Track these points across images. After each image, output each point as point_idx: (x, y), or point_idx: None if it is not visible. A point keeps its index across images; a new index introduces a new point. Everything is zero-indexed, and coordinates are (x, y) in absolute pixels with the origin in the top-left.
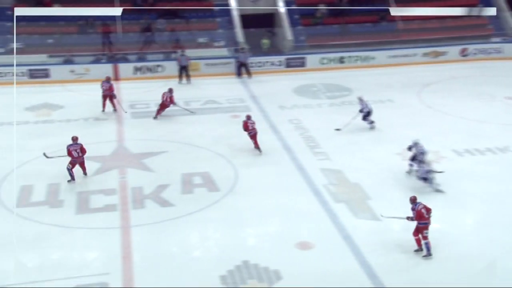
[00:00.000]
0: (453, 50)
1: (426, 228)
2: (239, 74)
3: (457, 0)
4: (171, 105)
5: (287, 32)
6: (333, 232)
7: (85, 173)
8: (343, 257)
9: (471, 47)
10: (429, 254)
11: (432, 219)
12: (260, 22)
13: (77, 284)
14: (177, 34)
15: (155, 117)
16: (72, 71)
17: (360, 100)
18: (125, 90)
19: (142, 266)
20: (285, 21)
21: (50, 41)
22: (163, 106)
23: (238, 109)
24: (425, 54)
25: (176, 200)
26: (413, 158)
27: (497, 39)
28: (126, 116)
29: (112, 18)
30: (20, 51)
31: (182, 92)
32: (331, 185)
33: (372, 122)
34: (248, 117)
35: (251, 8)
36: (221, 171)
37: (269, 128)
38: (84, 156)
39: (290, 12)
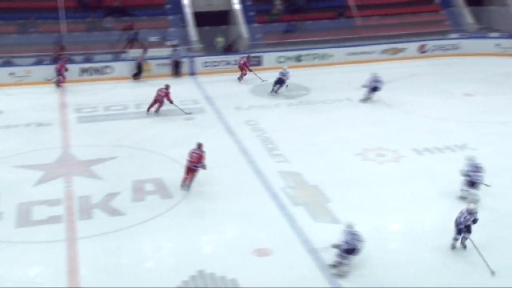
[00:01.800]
0: (412, 47)
1: (193, 171)
2: (175, 73)
3: None
4: (167, 101)
5: (242, 29)
6: (291, 237)
7: None
8: (301, 263)
9: (430, 44)
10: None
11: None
12: (214, 20)
13: None
14: (129, 32)
15: (148, 111)
16: (11, 74)
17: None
18: (70, 93)
19: (91, 280)
20: (240, 18)
21: None
22: (156, 101)
23: (193, 111)
24: (384, 51)
25: (126, 209)
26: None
27: (455, 35)
28: (72, 120)
29: (56, 16)
30: None
31: (134, 93)
32: (289, 188)
33: (274, 89)
34: (167, 87)
35: (204, 5)
36: (174, 177)
37: (224, 130)
38: None
39: (245, 9)
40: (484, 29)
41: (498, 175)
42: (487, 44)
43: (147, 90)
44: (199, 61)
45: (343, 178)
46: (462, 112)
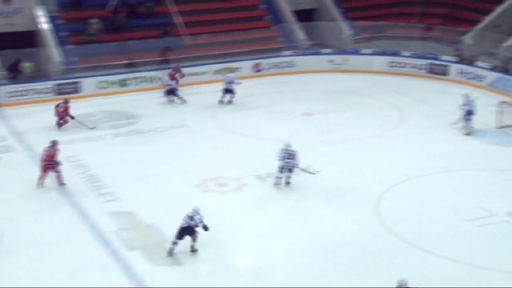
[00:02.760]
0: (246, 66)
1: (50, 168)
2: None
3: (241, 12)
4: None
5: (53, 52)
6: (127, 286)
7: None
8: None
9: (264, 62)
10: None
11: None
12: (18, 42)
13: None
14: None
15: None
16: None
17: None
18: None
19: None
20: (50, 40)
21: None
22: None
23: None
24: (217, 71)
25: None
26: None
27: (289, 52)
28: None
29: None
30: None
31: None
32: (122, 230)
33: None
34: (65, 101)
35: (3, 25)
36: None
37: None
38: None
39: (56, 29)
40: (316, 45)
41: (343, 194)
42: (320, 60)
43: None
44: (2, 90)
45: (182, 214)
46: (303, 133)
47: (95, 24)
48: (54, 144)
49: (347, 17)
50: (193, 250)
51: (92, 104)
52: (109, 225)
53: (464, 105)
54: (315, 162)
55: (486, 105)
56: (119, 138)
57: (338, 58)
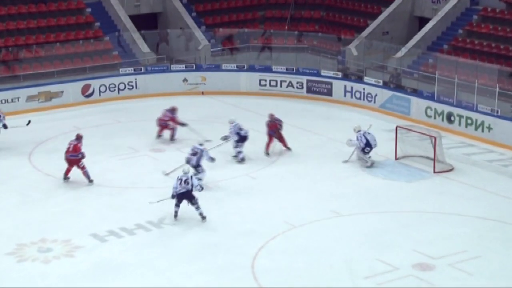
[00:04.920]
0: (72, 89)
1: (74, 161)
2: None
3: (62, 18)
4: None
5: None
6: None
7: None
8: None
9: (96, 83)
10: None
11: None
12: None
13: None
14: None
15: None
16: None
17: None
18: None
19: None
20: None
21: None
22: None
23: None
24: (31, 97)
25: None
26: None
27: (128, 70)
28: None
29: None
30: None
31: None
32: None
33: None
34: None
35: None
36: None
37: None
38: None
39: None
40: (165, 60)
41: (209, 253)
42: (171, 79)
43: None
44: None
45: None
46: (152, 176)
47: None
48: (78, 138)
49: (202, 23)
50: (203, 217)
51: None
52: None
53: (356, 140)
54: (171, 213)
55: (381, 131)
56: None
57: (194, 76)
